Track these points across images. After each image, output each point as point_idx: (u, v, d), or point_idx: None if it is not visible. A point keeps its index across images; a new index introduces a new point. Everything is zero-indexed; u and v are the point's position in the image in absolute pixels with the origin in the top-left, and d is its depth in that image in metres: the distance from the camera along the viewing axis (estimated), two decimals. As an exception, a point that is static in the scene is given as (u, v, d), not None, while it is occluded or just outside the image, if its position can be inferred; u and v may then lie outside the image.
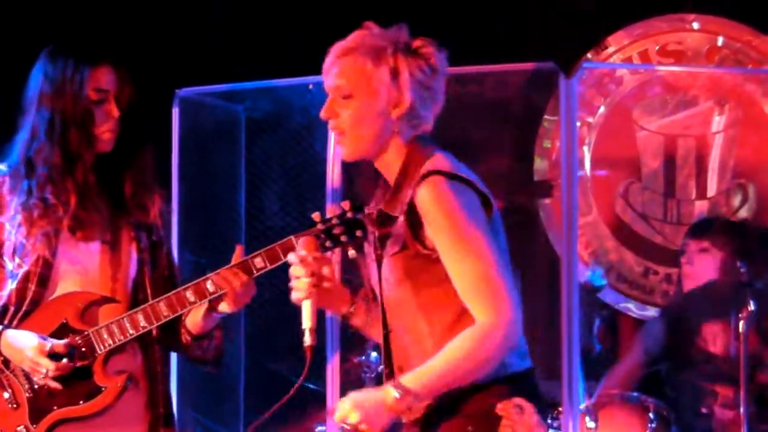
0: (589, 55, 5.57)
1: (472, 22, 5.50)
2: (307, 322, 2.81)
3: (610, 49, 5.62)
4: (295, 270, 2.86)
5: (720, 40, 5.58)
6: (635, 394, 4.53)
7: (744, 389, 4.20)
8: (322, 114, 2.88)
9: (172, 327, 3.27)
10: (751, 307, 4.19)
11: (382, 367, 4.10)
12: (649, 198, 5.56)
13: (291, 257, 2.88)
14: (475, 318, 2.74)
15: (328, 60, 2.88)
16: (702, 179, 5.55)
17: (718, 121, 5.56)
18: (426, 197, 2.77)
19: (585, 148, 5.53)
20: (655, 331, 4.90)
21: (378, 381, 4.75)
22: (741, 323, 4.25)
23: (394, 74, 2.82)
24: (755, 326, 4.77)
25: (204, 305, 3.18)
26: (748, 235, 5.18)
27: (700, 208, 5.53)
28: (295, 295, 2.85)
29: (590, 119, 5.59)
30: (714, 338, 4.78)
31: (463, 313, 2.77)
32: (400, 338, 2.90)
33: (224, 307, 3.17)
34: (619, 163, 5.57)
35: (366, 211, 2.92)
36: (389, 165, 2.89)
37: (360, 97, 2.84)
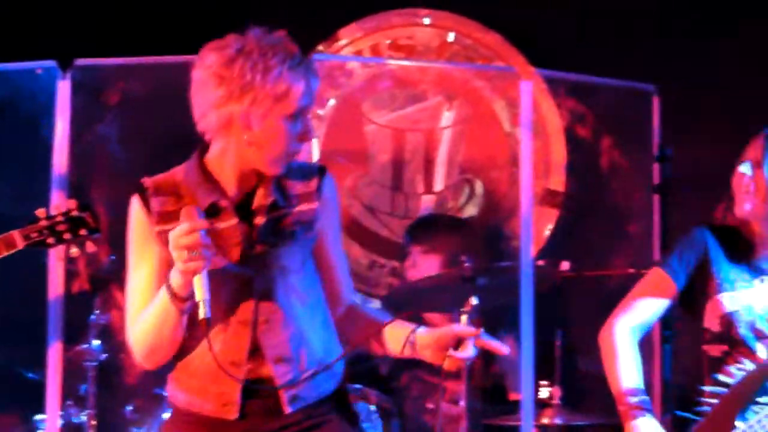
0: (320, 48, 5.52)
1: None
2: (201, 293, 2.74)
3: (342, 42, 5.59)
4: (184, 240, 2.73)
5: (451, 36, 5.63)
6: (357, 386, 4.51)
7: (465, 383, 4.22)
8: (310, 138, 2.94)
9: None
10: (474, 301, 4.21)
11: (105, 355, 3.91)
12: (376, 191, 5.56)
13: (180, 229, 2.75)
14: (349, 301, 3.11)
15: (312, 78, 2.87)
16: (430, 174, 5.58)
17: (447, 117, 5.61)
18: (333, 189, 3.01)
19: (314, 140, 5.48)
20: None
21: (101, 369, 4.68)
22: (463, 317, 4.27)
23: None
24: (480, 320, 4.83)
25: None
26: (471, 231, 5.25)
27: (427, 202, 5.57)
28: (188, 266, 2.73)
29: (320, 111, 5.55)
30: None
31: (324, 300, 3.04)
32: (278, 329, 2.90)
33: None
34: (348, 156, 5.54)
35: (222, 205, 2.89)
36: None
37: None
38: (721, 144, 5.12)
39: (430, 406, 4.73)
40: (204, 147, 2.96)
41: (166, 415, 4.47)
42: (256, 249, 2.89)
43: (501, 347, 3.04)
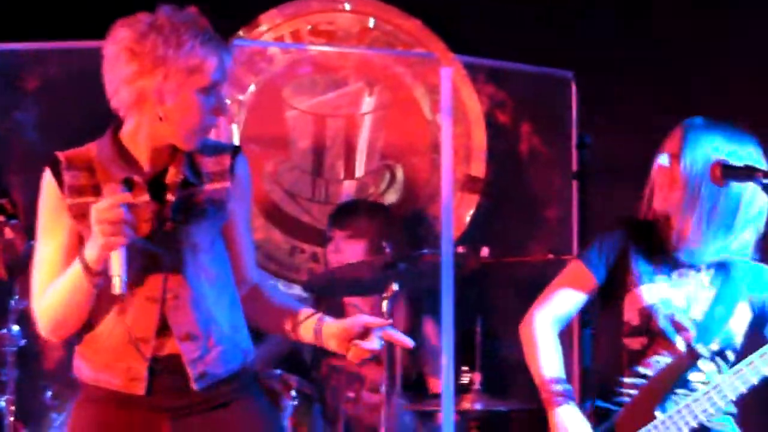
0: (241, 33, 5.49)
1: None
2: (117, 269, 2.75)
3: (263, 27, 5.56)
4: (107, 214, 2.73)
5: (371, 22, 5.62)
6: (278, 371, 4.51)
7: (386, 371, 4.23)
8: (223, 111, 2.93)
9: None
10: (395, 287, 4.22)
11: (24, 341, 3.87)
12: (297, 177, 5.54)
13: (104, 203, 2.75)
14: (256, 281, 3.13)
15: (225, 53, 2.88)
16: (351, 160, 5.58)
17: (367, 103, 5.60)
18: (246, 169, 3.04)
19: (234, 126, 5.45)
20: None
21: (20, 355, 4.62)
22: (384, 303, 4.28)
23: None
24: (406, 306, 4.84)
25: None
26: (392, 217, 5.26)
27: (348, 188, 5.56)
28: (108, 240, 2.73)
29: (241, 97, 5.51)
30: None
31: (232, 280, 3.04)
32: (187, 306, 2.91)
33: None
34: (268, 142, 5.52)
35: (135, 180, 2.88)
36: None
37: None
38: (640, 131, 5.19)
39: (351, 395, 4.74)
40: (118, 123, 2.96)
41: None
42: (166, 226, 2.90)
43: (406, 341, 3.07)
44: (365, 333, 3.02)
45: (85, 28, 4.70)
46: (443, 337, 4.30)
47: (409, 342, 3.07)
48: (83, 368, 2.99)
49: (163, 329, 2.91)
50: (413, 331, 4.88)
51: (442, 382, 4.30)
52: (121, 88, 2.87)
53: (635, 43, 5.34)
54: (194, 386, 2.93)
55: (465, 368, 4.60)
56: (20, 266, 4.78)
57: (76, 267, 2.83)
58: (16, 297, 4.71)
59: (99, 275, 2.81)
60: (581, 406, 3.57)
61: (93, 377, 2.97)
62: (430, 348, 4.89)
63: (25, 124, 5.15)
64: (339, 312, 4.82)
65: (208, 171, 2.98)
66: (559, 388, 3.55)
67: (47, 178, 2.94)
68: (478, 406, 4.52)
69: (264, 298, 3.15)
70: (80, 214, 2.87)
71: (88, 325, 2.94)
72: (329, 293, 4.85)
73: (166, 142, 2.92)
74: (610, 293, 3.66)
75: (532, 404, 3.93)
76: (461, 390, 4.55)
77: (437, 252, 4.32)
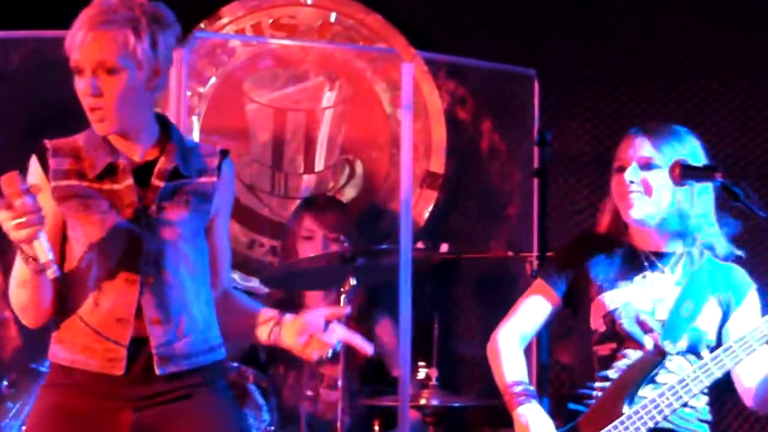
0: (202, 25, 5.46)
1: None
2: (44, 255, 2.77)
3: (224, 20, 5.53)
4: (16, 207, 2.73)
5: (333, 16, 5.60)
6: (235, 364, 4.49)
7: (342, 364, 4.22)
8: (92, 93, 2.86)
9: None
10: (353, 282, 4.21)
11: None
12: (257, 170, 5.51)
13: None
14: (227, 288, 3.16)
15: (82, 33, 2.85)
16: (310, 154, 5.56)
17: (328, 97, 5.58)
18: (232, 173, 3.10)
19: (194, 118, 5.42)
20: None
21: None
22: (342, 297, 4.28)
23: (153, 45, 2.89)
24: (360, 302, 4.83)
25: None
26: (351, 212, 5.25)
27: (308, 182, 5.54)
28: (19, 234, 2.74)
29: (201, 89, 5.48)
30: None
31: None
32: (161, 291, 2.93)
33: None
34: (229, 135, 5.49)
35: (118, 165, 2.93)
36: (139, 133, 2.97)
37: (127, 72, 2.88)
38: (600, 128, 5.21)
39: (309, 393, 4.72)
40: None
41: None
42: (150, 210, 2.93)
43: (365, 346, 3.11)
44: (325, 326, 3.05)
45: (43, 17, 4.68)
46: (401, 332, 4.29)
47: (369, 348, 3.10)
48: (59, 351, 2.98)
49: (140, 311, 2.93)
50: (370, 326, 4.87)
51: (400, 378, 4.30)
52: None
53: (596, 41, 5.36)
54: (157, 371, 2.93)
55: (422, 364, 4.60)
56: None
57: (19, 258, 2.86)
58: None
59: (36, 262, 2.81)
60: (540, 402, 3.59)
61: (70, 359, 2.95)
62: (387, 343, 4.88)
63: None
64: (297, 307, 4.81)
65: (198, 166, 3.03)
66: (519, 389, 3.58)
67: (33, 164, 2.98)
68: (434, 402, 4.52)
69: (232, 304, 3.17)
70: (64, 197, 2.92)
71: (65, 309, 2.95)
72: (287, 287, 4.84)
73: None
74: (576, 304, 3.71)
75: (488, 400, 3.95)
76: (418, 385, 4.55)
77: (396, 247, 4.32)
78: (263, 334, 3.12)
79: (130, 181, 2.94)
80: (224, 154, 3.09)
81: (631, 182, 3.61)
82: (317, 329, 3.06)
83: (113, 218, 2.91)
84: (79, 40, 2.87)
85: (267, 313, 3.14)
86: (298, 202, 5.30)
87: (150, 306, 2.92)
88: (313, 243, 4.93)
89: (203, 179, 3.02)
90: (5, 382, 4.60)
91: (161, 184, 2.95)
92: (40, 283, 2.88)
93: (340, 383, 4.22)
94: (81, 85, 2.91)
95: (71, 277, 2.94)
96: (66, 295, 2.95)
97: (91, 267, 2.91)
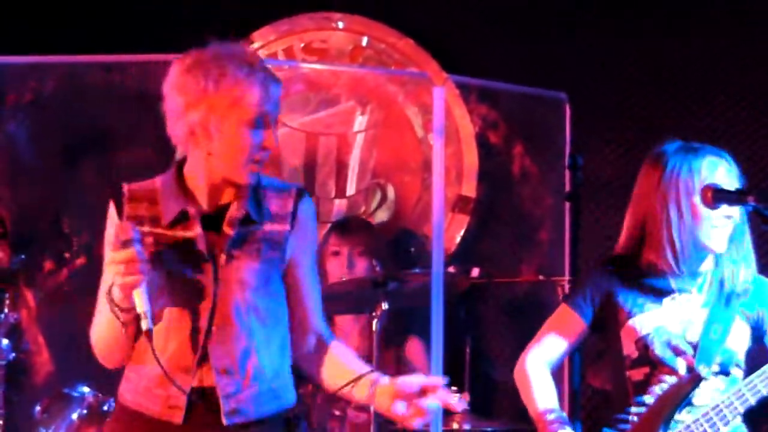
0: (234, 49, 5.48)
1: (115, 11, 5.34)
2: (141, 306, 2.77)
3: (256, 45, 5.56)
4: (120, 255, 2.75)
5: (364, 41, 5.62)
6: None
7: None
8: (275, 147, 2.92)
9: None
10: (384, 306, 4.21)
11: (14, 354, 3.85)
12: (288, 195, 5.53)
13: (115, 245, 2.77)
14: (320, 332, 3.09)
15: (272, 86, 2.91)
16: (342, 178, 5.57)
17: (359, 121, 5.60)
18: (310, 213, 3.04)
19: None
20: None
21: (9, 369, 4.61)
22: (374, 322, 4.28)
23: None
24: (394, 325, 4.83)
25: None
26: (379, 235, 5.25)
27: (339, 207, 5.55)
28: (125, 281, 2.75)
29: (233, 113, 5.50)
30: (347, 337, 4.80)
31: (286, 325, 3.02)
32: (229, 341, 2.91)
33: None
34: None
35: (190, 213, 2.92)
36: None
37: None
38: (632, 152, 5.19)
39: (337, 413, 4.72)
40: (183, 158, 3.00)
41: (75, 416, 4.45)
42: (218, 259, 2.92)
43: (458, 405, 3.09)
44: (421, 392, 2.96)
45: (79, 43, 4.72)
46: (432, 356, 4.28)
47: (461, 406, 3.11)
48: (126, 392, 3.00)
49: (204, 360, 2.92)
50: (399, 347, 4.87)
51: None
52: (174, 123, 2.90)
53: (629, 65, 5.35)
54: (225, 421, 2.91)
55: (453, 388, 4.58)
56: (11, 278, 4.78)
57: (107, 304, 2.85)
58: (6, 311, 4.71)
59: (128, 312, 2.82)
60: (573, 428, 3.57)
61: (134, 401, 2.97)
62: (418, 368, 4.86)
63: (16, 138, 5.13)
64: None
65: (271, 211, 2.99)
66: (552, 416, 3.56)
67: (110, 210, 2.98)
68: (466, 427, 4.50)
69: (331, 359, 3.11)
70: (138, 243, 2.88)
71: (135, 349, 2.96)
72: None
73: (221, 177, 2.94)
74: (606, 330, 3.68)
75: (520, 425, 3.93)
76: (449, 410, 4.53)
77: (427, 272, 4.31)
78: (362, 394, 3.05)
79: (198, 229, 2.92)
80: (300, 194, 3.04)
81: (731, 217, 3.57)
82: (413, 396, 2.97)
83: (182, 267, 2.90)
84: (245, 93, 2.85)
85: (368, 373, 3.05)
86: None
87: (216, 355, 2.91)
88: (340, 259, 4.93)
89: (276, 226, 2.98)
90: (38, 407, 4.62)
91: (231, 232, 2.93)
92: (123, 332, 2.87)
93: (372, 409, 4.21)
94: (261, 137, 2.90)
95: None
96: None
97: (158, 314, 2.88)
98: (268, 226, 2.97)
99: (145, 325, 2.76)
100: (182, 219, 2.92)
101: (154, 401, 2.93)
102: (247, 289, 2.93)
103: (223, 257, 2.91)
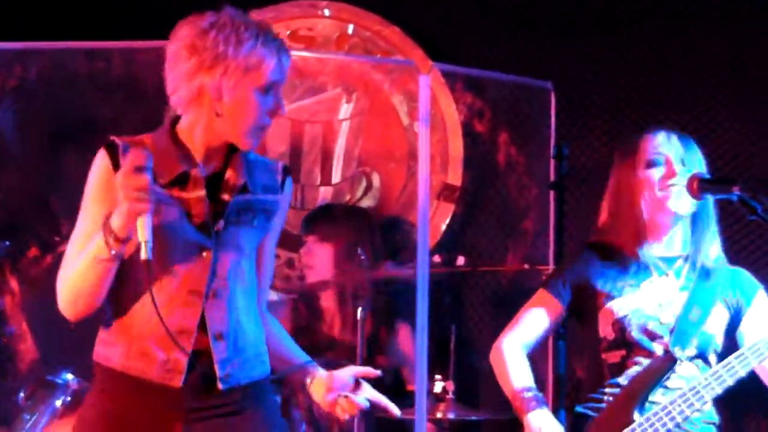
0: (220, 36, 5.46)
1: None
2: (144, 234, 2.74)
3: (242, 31, 5.54)
4: (133, 180, 2.74)
5: (350, 28, 5.61)
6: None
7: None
8: (282, 112, 2.96)
9: None
10: (368, 294, 4.22)
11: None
12: (273, 182, 5.52)
13: (129, 168, 2.75)
14: (264, 306, 3.12)
15: (281, 56, 2.91)
16: (327, 166, 5.57)
17: (345, 109, 5.59)
18: (290, 191, 3.11)
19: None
20: (281, 316, 4.88)
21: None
22: (359, 309, 4.28)
23: None
24: (373, 311, 4.84)
25: None
26: (367, 222, 5.25)
27: (325, 194, 5.55)
28: (135, 206, 2.73)
29: (218, 100, 5.49)
30: (332, 322, 4.81)
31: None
32: (223, 306, 2.94)
33: None
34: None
35: (192, 174, 2.92)
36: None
37: None
38: (617, 142, 5.20)
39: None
40: (175, 118, 2.99)
41: (59, 402, 4.44)
42: (218, 224, 2.93)
43: (393, 409, 3.10)
44: (355, 384, 3.04)
45: (64, 29, 4.70)
46: (417, 345, 4.28)
47: (396, 410, 3.10)
48: (113, 355, 2.95)
49: (202, 325, 2.93)
50: (390, 334, 4.87)
51: (416, 390, 4.29)
52: (180, 85, 2.90)
53: (614, 54, 5.35)
54: (220, 386, 2.93)
55: (438, 377, 4.59)
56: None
57: (99, 238, 2.81)
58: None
59: (122, 243, 2.79)
60: (556, 414, 3.59)
61: (124, 364, 2.93)
62: (404, 356, 4.87)
63: (1, 124, 5.12)
64: (315, 315, 4.83)
65: (263, 183, 3.03)
66: (530, 395, 3.59)
67: (101, 158, 2.92)
68: (451, 415, 4.51)
69: (269, 332, 3.14)
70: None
71: (121, 311, 2.93)
72: (309, 305, 4.86)
73: (221, 140, 2.95)
74: (584, 313, 3.71)
75: (504, 414, 3.93)
76: (434, 398, 4.55)
77: (412, 264, 4.31)
78: (298, 380, 3.13)
79: (201, 192, 2.92)
80: (286, 171, 3.11)
81: (676, 175, 3.62)
82: (346, 387, 3.04)
83: (183, 227, 2.91)
84: (261, 60, 2.87)
85: (301, 359, 3.13)
86: (314, 213, 5.32)
87: (213, 320, 2.93)
88: (326, 252, 4.94)
89: (269, 196, 3.03)
90: (22, 394, 4.62)
91: (230, 198, 2.96)
92: (108, 271, 2.83)
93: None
94: (270, 103, 2.93)
95: (130, 279, 2.90)
96: (122, 297, 2.93)
97: (153, 272, 2.83)
98: (261, 195, 3.00)
99: (144, 254, 2.73)
100: (182, 180, 2.92)
101: (151, 364, 2.91)
102: (240, 257, 2.97)
103: (221, 222, 2.93)
